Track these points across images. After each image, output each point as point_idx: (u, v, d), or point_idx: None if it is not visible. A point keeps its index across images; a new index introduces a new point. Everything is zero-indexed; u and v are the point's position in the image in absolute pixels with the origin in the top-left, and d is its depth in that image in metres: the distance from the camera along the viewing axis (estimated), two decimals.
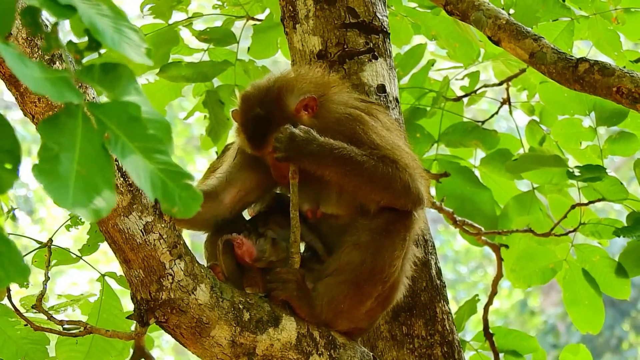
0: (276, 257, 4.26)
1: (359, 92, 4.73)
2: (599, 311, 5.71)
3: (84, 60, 2.27)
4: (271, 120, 4.17)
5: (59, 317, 4.23)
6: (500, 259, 6.04)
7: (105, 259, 12.62)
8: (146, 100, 2.14)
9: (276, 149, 4.08)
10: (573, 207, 5.62)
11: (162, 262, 3.87)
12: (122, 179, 3.78)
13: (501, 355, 5.85)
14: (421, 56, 6.31)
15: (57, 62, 3.73)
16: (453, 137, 6.19)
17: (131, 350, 4.13)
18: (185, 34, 6.25)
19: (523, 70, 6.23)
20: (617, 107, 5.51)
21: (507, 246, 6.02)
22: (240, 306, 4.03)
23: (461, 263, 18.38)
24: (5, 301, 4.43)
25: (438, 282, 4.98)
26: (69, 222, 4.69)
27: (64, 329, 4.15)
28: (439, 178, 6.03)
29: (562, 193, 6.05)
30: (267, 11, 6.25)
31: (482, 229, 5.99)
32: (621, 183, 5.42)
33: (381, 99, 4.87)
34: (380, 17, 5.02)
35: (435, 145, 6.21)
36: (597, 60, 4.24)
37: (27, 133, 15.05)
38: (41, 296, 4.19)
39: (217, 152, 6.24)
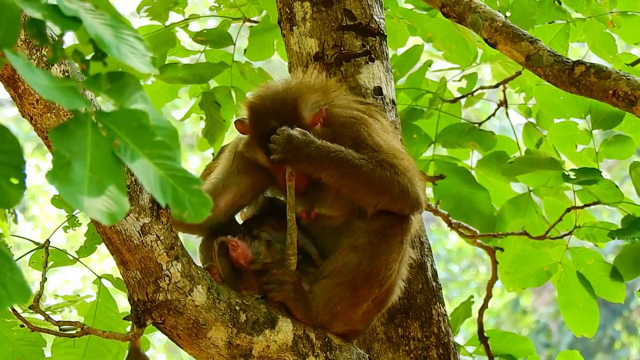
0: (271, 259, 4.26)
1: (355, 94, 4.74)
2: (594, 314, 5.70)
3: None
4: None
5: (55, 318, 4.22)
6: (495, 262, 6.03)
7: (99, 257, 12.59)
8: (152, 108, 2.17)
9: (273, 150, 4.08)
10: (568, 210, 5.62)
11: (159, 263, 3.87)
12: None
13: (496, 359, 5.86)
14: (418, 57, 6.30)
15: (55, 65, 3.72)
16: (450, 138, 6.18)
17: (127, 352, 4.13)
18: (181, 35, 6.25)
19: (519, 73, 6.23)
20: (612, 110, 5.51)
21: (502, 249, 6.01)
22: (237, 307, 4.04)
23: (453, 262, 18.37)
24: None
25: (434, 284, 4.98)
26: (66, 224, 4.68)
27: (60, 329, 4.15)
28: (435, 181, 6.02)
29: (557, 196, 6.05)
30: (264, 13, 6.24)
31: (477, 231, 5.99)
32: (616, 186, 5.42)
33: (378, 101, 4.87)
34: (377, 19, 5.03)
35: (432, 146, 6.22)
36: (594, 63, 4.24)
37: (19, 130, 15.01)
38: (38, 297, 4.18)
39: (213, 154, 6.24)
